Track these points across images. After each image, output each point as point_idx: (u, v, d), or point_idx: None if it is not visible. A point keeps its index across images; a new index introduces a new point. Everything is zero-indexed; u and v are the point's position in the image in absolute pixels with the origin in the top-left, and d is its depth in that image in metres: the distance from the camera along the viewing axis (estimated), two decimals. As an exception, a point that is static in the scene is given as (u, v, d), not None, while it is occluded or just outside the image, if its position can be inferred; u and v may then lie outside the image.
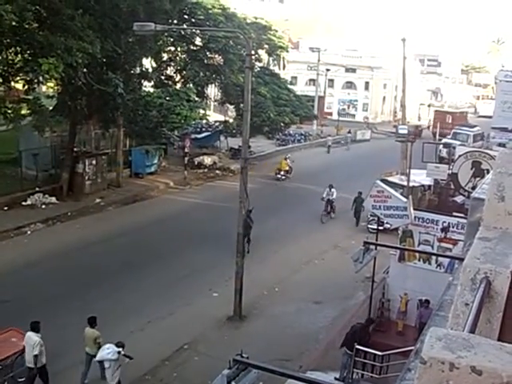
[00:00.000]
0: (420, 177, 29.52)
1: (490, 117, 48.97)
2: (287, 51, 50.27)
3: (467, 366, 2.20)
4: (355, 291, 21.46)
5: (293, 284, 21.81)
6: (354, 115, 74.31)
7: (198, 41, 39.17)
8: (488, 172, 16.00)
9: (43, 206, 27.76)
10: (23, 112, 27.00)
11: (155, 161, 36.39)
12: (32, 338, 13.56)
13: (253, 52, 27.99)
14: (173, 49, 39.91)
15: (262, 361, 11.72)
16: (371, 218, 26.13)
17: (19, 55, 25.23)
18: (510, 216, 3.97)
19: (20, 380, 14.01)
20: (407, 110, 41.80)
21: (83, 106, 27.79)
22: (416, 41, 73.03)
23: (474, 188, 18.99)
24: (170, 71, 41.14)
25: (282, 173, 39.02)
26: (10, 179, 28.62)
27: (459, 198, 26.60)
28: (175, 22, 34.22)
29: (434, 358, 2.25)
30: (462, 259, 4.28)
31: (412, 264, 18.16)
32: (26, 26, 23.66)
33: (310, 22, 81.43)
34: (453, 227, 17.45)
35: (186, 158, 37.08)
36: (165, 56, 40.19)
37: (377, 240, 18.02)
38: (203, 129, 45.93)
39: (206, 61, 39.10)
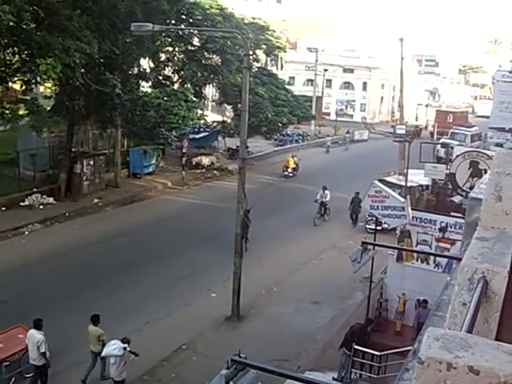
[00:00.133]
0: (418, 177, 29.55)
1: (487, 117, 49.02)
2: (285, 51, 50.24)
3: (465, 366, 2.21)
4: (353, 291, 21.49)
5: (291, 284, 21.81)
6: (351, 115, 74.40)
7: (195, 41, 39.15)
8: (486, 172, 16.02)
9: (41, 207, 27.73)
10: (21, 112, 26.98)
11: (153, 161, 36.38)
12: (35, 335, 13.64)
13: (250, 52, 28.07)
14: (170, 49, 39.90)
15: (260, 361, 11.72)
16: (369, 218, 26.15)
17: (17, 55, 25.22)
18: (507, 216, 3.98)
19: (27, 376, 14.18)
20: (405, 110, 41.85)
21: (81, 107, 27.78)
22: (414, 41, 73.15)
23: (471, 188, 18.99)
24: (167, 71, 41.13)
25: (290, 170, 39.86)
26: (7, 180, 28.59)
27: (457, 198, 26.60)
28: (173, 22, 34.21)
29: (432, 357, 2.25)
30: (459, 259, 4.29)
31: (410, 264, 18.17)
32: (24, 27, 23.65)
33: (308, 23, 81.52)
34: (451, 227, 17.46)
35: (184, 159, 37.09)
36: (162, 56, 40.17)
37: (375, 240, 18.02)
38: (201, 129, 45.92)
39: (203, 61, 39.09)
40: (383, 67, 72.43)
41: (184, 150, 37.32)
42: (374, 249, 16.43)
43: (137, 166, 35.28)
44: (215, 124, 46.39)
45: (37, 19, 24.21)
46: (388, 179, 28.93)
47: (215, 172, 39.15)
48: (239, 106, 31.77)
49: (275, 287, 21.46)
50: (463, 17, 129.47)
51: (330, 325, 19.00)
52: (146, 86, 39.73)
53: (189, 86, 39.05)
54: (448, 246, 17.35)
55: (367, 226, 27.14)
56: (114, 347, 13.60)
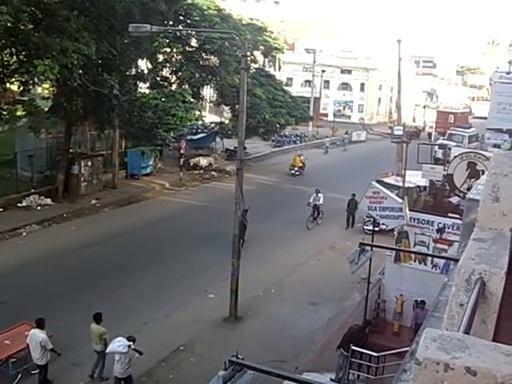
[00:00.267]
0: (415, 178, 29.56)
1: (485, 118, 49.11)
2: (283, 52, 50.30)
3: (462, 367, 2.21)
4: (351, 292, 21.49)
5: (289, 285, 21.81)
6: (349, 116, 74.41)
7: (193, 42, 39.15)
8: (483, 173, 16.05)
9: (39, 208, 27.70)
10: (18, 113, 26.99)
11: (151, 162, 36.38)
12: (37, 334, 13.76)
13: (248, 53, 27.98)
14: (168, 50, 39.90)
15: (258, 362, 11.73)
16: (367, 218, 26.17)
17: (14, 56, 25.20)
18: (504, 217, 3.98)
19: (33, 372, 14.29)
20: (402, 111, 41.87)
21: (79, 108, 27.74)
22: (411, 42, 73.34)
23: (469, 189, 19.04)
24: (165, 72, 41.11)
25: (296, 169, 40.64)
26: (5, 181, 28.57)
27: (454, 199, 26.63)
28: (171, 23, 34.20)
29: (429, 358, 2.25)
30: (457, 260, 4.29)
31: (408, 265, 18.19)
32: (22, 27, 23.64)
33: (306, 24, 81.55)
34: (448, 228, 17.50)
35: (182, 160, 37.08)
36: (160, 57, 40.17)
37: (372, 241, 18.04)
38: (199, 130, 45.89)
39: (201, 62, 39.09)
40: (381, 68, 72.50)
41: (182, 151, 37.32)
42: (371, 250, 16.44)
43: (135, 167, 35.27)
44: (213, 125, 46.37)
45: (34, 20, 24.20)
46: (386, 180, 28.97)
47: (213, 173, 39.15)
48: (237, 107, 31.72)
49: (273, 288, 21.46)
50: (461, 18, 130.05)
51: (327, 326, 19.01)
52: (143, 87, 39.73)
53: (186, 86, 39.03)
54: (445, 246, 17.39)
55: (365, 227, 27.17)
56: (118, 344, 13.64)
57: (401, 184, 27.45)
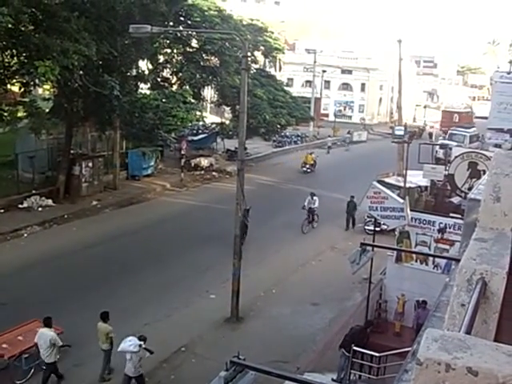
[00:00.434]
0: (416, 178, 29.56)
1: (485, 118, 49.08)
2: (283, 53, 50.30)
3: (463, 367, 2.21)
4: (352, 292, 21.48)
5: (290, 285, 21.81)
6: (350, 116, 74.38)
7: (194, 43, 39.18)
8: (484, 173, 16.04)
9: (40, 209, 27.71)
10: (19, 114, 27.02)
11: (152, 163, 36.38)
12: (46, 333, 13.91)
13: (249, 54, 28.09)
14: (169, 51, 39.92)
15: (259, 362, 11.74)
16: (368, 219, 26.16)
17: (15, 58, 25.21)
18: (506, 217, 3.98)
19: (45, 368, 14.39)
20: (403, 111, 41.86)
21: (79, 109, 27.76)
22: (412, 42, 73.38)
23: (470, 189, 19.01)
24: (166, 73, 41.15)
25: (308, 166, 41.67)
26: (6, 182, 28.57)
27: (456, 199, 26.61)
28: (171, 24, 34.21)
29: (430, 359, 2.25)
30: (458, 260, 4.29)
31: (409, 265, 18.18)
32: (22, 29, 23.64)
33: (306, 24, 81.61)
34: (449, 228, 17.48)
35: (183, 160, 37.09)
36: (161, 58, 40.20)
37: (374, 241, 18.03)
38: (199, 131, 45.90)
39: (202, 63, 39.11)
40: (381, 68, 72.46)
41: (183, 152, 37.32)
42: (372, 250, 16.44)
43: (135, 167, 35.27)
44: (214, 125, 46.38)
45: (35, 21, 24.20)
46: (387, 180, 28.95)
47: (214, 173, 39.15)
48: (238, 107, 31.75)
49: (274, 288, 21.45)
50: (461, 18, 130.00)
51: (329, 326, 19.00)
52: (144, 88, 39.74)
53: (187, 87, 39.04)
54: (447, 246, 17.37)
55: (366, 227, 27.15)
56: (130, 343, 13.75)
57: (402, 184, 27.48)
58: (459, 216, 17.94)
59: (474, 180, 21.42)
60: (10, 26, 21.76)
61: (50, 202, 28.33)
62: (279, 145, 51.47)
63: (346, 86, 75.99)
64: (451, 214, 20.36)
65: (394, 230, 18.93)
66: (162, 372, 15.55)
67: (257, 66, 47.18)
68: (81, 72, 25.15)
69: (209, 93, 47.44)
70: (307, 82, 70.10)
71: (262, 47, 45.08)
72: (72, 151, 31.24)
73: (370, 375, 15.42)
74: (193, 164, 39.15)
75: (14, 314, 16.33)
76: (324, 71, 65.05)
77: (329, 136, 55.84)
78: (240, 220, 19.13)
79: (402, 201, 18.04)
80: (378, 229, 19.97)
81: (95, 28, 25.51)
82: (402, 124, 38.78)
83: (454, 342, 2.33)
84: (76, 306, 17.82)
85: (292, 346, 17.21)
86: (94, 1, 25.77)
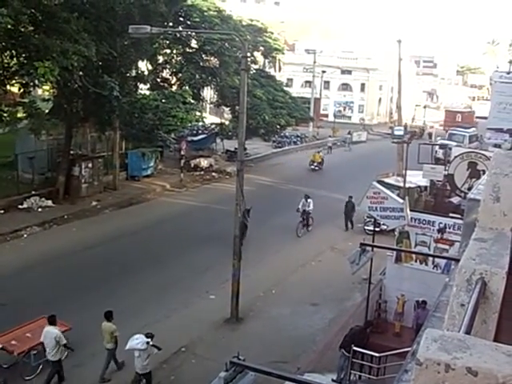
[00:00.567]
0: (416, 178, 29.56)
1: (485, 118, 49.08)
2: (283, 53, 50.34)
3: (463, 367, 2.21)
4: (352, 293, 21.48)
5: (290, 286, 21.80)
6: (349, 117, 74.42)
7: (193, 43, 39.19)
8: (484, 173, 16.04)
9: (39, 210, 27.71)
10: (19, 115, 27.02)
11: (151, 163, 36.38)
12: (51, 331, 14.10)
13: (248, 54, 28.04)
14: (168, 51, 39.92)
15: (259, 363, 11.74)
16: (368, 219, 26.16)
17: (15, 58, 25.22)
18: (505, 217, 3.98)
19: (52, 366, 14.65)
20: (403, 112, 41.87)
21: (79, 109, 27.78)
22: (412, 42, 73.39)
23: (469, 189, 19.02)
24: (165, 74, 41.16)
25: (316, 164, 42.63)
26: (6, 182, 28.56)
27: (455, 199, 26.63)
28: (171, 24, 34.23)
29: (430, 359, 2.25)
30: (458, 260, 4.29)
31: (409, 265, 18.18)
32: (22, 30, 23.64)
33: (306, 24, 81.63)
34: (449, 228, 17.48)
35: (183, 161, 37.09)
36: (160, 58, 40.21)
37: (373, 241, 18.02)
38: (199, 131, 45.88)
39: (201, 63, 39.13)
40: (381, 68, 72.48)
41: (182, 153, 37.32)
42: (372, 250, 16.43)
43: (135, 168, 35.27)
44: (213, 126, 46.38)
45: (35, 22, 24.21)
46: (386, 180, 28.95)
47: (213, 174, 39.15)
48: (237, 108, 31.72)
49: (274, 289, 21.45)
50: (461, 18, 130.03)
51: (328, 326, 18.99)
52: (143, 89, 39.74)
53: (187, 88, 39.02)
54: (447, 246, 17.37)
55: (366, 228, 27.15)
56: (137, 341, 13.90)
57: (401, 184, 27.48)
58: (459, 216, 17.95)
59: (473, 180, 21.44)
60: (9, 26, 21.79)
61: (49, 202, 28.33)
62: (279, 145, 51.46)
63: (345, 87, 76.01)
64: (451, 214, 20.36)
65: (393, 230, 18.93)
66: (161, 373, 15.54)
67: (256, 67, 47.19)
68: (80, 73, 25.17)
69: (208, 93, 47.48)
70: (307, 82, 70.12)
71: (261, 48, 45.11)
72: (72, 152, 31.24)
73: (370, 375, 15.41)
74: (192, 164, 39.16)
75: (14, 315, 16.32)
76: (324, 71, 65.07)
77: (329, 136, 55.87)
78: (240, 220, 19.13)
79: (401, 201, 18.04)
80: (377, 229, 19.97)
81: (95, 29, 25.52)
82: (402, 124, 38.80)
83: (453, 342, 2.33)
84: (76, 307, 17.81)
85: (292, 347, 17.21)
86: (93, 1, 25.79)
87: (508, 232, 3.94)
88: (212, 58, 39.02)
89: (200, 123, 43.55)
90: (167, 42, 38.51)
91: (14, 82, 25.93)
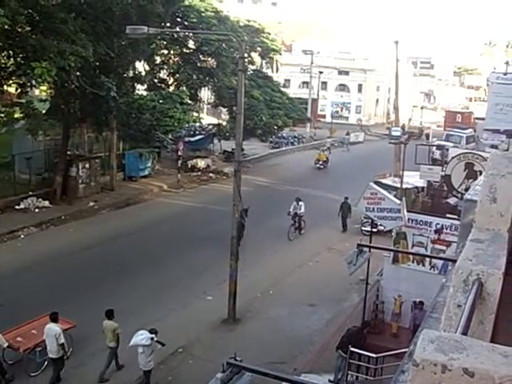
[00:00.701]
0: (413, 179, 29.59)
1: (482, 118, 49.17)
2: (280, 54, 50.34)
3: (459, 368, 2.21)
4: (349, 293, 21.48)
5: (287, 286, 21.80)
6: (347, 117, 74.44)
7: (190, 44, 39.22)
8: (481, 173, 16.04)
9: (36, 210, 27.67)
10: (16, 116, 26.99)
11: (149, 164, 36.36)
12: (53, 328, 14.23)
13: (246, 55, 28.03)
14: (166, 52, 39.95)
15: (257, 364, 11.73)
16: (365, 220, 26.16)
17: (12, 59, 25.19)
18: (502, 217, 3.99)
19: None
20: (400, 112, 41.91)
21: (76, 110, 27.73)
22: (409, 43, 73.29)
23: (466, 190, 19.04)
24: (163, 74, 41.18)
25: (321, 162, 43.75)
26: (3, 183, 28.50)
27: (452, 200, 26.64)
28: (168, 25, 34.21)
29: (427, 360, 2.25)
30: (454, 261, 4.29)
31: (406, 266, 18.19)
32: (19, 30, 23.65)
33: (303, 25, 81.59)
34: (446, 229, 17.49)
35: (180, 161, 37.07)
36: (158, 59, 40.22)
37: (370, 242, 18.02)
38: (196, 132, 45.91)
39: (198, 64, 39.15)
40: (378, 69, 72.49)
41: (179, 153, 37.30)
42: (369, 251, 16.44)
43: (132, 168, 35.25)
44: (211, 127, 46.41)
45: (32, 22, 24.19)
46: (384, 181, 28.98)
47: (211, 175, 39.14)
48: (234, 108, 31.77)
49: (271, 289, 21.45)
50: (458, 19, 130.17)
51: (326, 327, 18.99)
52: (141, 89, 39.73)
53: (184, 88, 39.03)
54: (443, 247, 17.38)
55: (363, 228, 27.14)
56: (141, 337, 13.99)
57: (399, 185, 27.47)
58: (456, 217, 17.95)
59: (470, 181, 21.44)
60: (6, 27, 21.78)
61: (46, 203, 28.30)
62: (276, 146, 51.47)
63: (342, 87, 76.03)
64: (448, 215, 20.38)
65: (390, 230, 18.93)
66: (159, 373, 15.51)
67: (254, 67, 47.18)
68: (77, 73, 25.13)
69: (206, 94, 47.49)
70: (304, 83, 70.14)
71: (258, 48, 45.12)
72: (69, 152, 31.21)
73: (367, 376, 15.41)
74: (190, 165, 39.15)
75: (11, 316, 16.28)
76: (321, 72, 65.09)
77: (328, 137, 55.93)
78: (237, 221, 19.13)
79: (398, 202, 18.06)
80: (374, 230, 19.97)
81: (92, 29, 25.50)
82: (400, 125, 38.84)
83: (450, 343, 2.33)
84: (73, 307, 17.76)
85: (289, 347, 17.21)
86: (90, 2, 25.77)
87: (505, 233, 3.95)
88: (209, 59, 39.05)
89: (197, 124, 43.61)
90: (164, 42, 38.54)
91: (11, 82, 25.90)
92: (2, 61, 25.28)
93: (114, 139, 33.53)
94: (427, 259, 17.54)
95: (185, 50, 39.43)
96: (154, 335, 14.07)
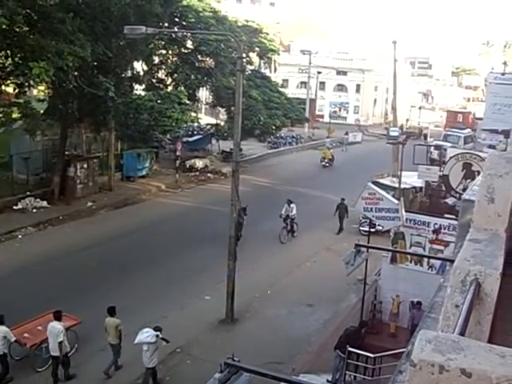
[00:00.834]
0: (411, 179, 29.60)
1: (480, 119, 49.28)
2: (278, 54, 50.30)
3: (457, 369, 2.21)
4: (347, 294, 21.49)
5: (285, 287, 21.80)
6: (345, 118, 74.47)
7: (189, 44, 39.18)
8: (479, 174, 16.06)
9: (34, 210, 27.64)
10: (14, 116, 26.93)
11: (147, 164, 36.33)
12: (55, 326, 14.36)
13: (244, 55, 28.07)
14: (164, 52, 39.93)
15: (254, 364, 11.72)
16: (363, 220, 26.16)
17: (10, 59, 25.13)
18: (499, 218, 3.99)
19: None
20: (398, 113, 41.95)
21: (74, 110, 27.72)
22: (407, 43, 73.43)
23: (464, 190, 19.04)
24: (161, 74, 41.16)
25: (326, 160, 44.12)
26: (0, 183, 28.47)
27: (450, 200, 26.66)
28: (166, 25, 34.21)
29: (424, 360, 2.25)
30: (452, 261, 4.29)
31: (404, 266, 18.19)
32: (17, 30, 23.58)
33: (302, 25, 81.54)
34: (444, 229, 17.50)
35: (178, 161, 37.07)
36: (156, 59, 40.20)
37: (368, 242, 18.03)
38: (194, 132, 45.90)
39: (197, 64, 39.11)
40: (376, 69, 72.56)
41: (178, 153, 37.31)
42: (367, 251, 16.44)
43: (130, 169, 35.23)
44: (209, 127, 46.39)
45: (30, 22, 24.14)
46: (382, 181, 28.98)
47: (209, 175, 39.12)
48: (233, 108, 31.76)
49: (269, 290, 21.45)
50: (456, 19, 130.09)
51: (324, 327, 19.00)
52: (139, 89, 39.71)
53: (182, 88, 39.04)
54: (441, 247, 17.39)
55: (361, 228, 27.14)
56: (146, 335, 14.12)
57: (397, 185, 27.50)
58: (454, 217, 17.95)
59: (468, 181, 21.47)
60: (4, 26, 21.74)
61: (44, 203, 28.27)
62: (274, 146, 51.48)
63: (340, 87, 76.08)
64: (446, 215, 20.38)
65: (388, 231, 18.93)
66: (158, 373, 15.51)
67: (252, 68, 47.21)
68: (75, 73, 25.10)
69: (204, 94, 47.45)
70: (302, 83, 70.16)
71: (257, 48, 45.09)
72: (67, 152, 31.20)
73: (365, 376, 15.41)
74: (188, 165, 39.13)
75: (10, 316, 16.23)
76: (319, 72, 65.11)
77: (327, 137, 55.98)
78: (235, 220, 19.13)
79: (396, 202, 18.06)
80: (372, 230, 19.98)
81: (90, 29, 25.47)
82: (398, 125, 38.87)
83: (447, 344, 2.33)
84: (71, 308, 17.69)
85: (287, 348, 17.21)
86: (88, 2, 25.72)
87: (502, 233, 3.95)
88: (207, 59, 39.01)
89: (195, 124, 43.60)
90: (163, 42, 38.52)
91: (8, 82, 25.84)
92: (0, 61, 25.23)
93: (112, 139, 33.51)
94: (425, 259, 17.55)
95: (183, 50, 39.39)
96: (158, 332, 14.25)
